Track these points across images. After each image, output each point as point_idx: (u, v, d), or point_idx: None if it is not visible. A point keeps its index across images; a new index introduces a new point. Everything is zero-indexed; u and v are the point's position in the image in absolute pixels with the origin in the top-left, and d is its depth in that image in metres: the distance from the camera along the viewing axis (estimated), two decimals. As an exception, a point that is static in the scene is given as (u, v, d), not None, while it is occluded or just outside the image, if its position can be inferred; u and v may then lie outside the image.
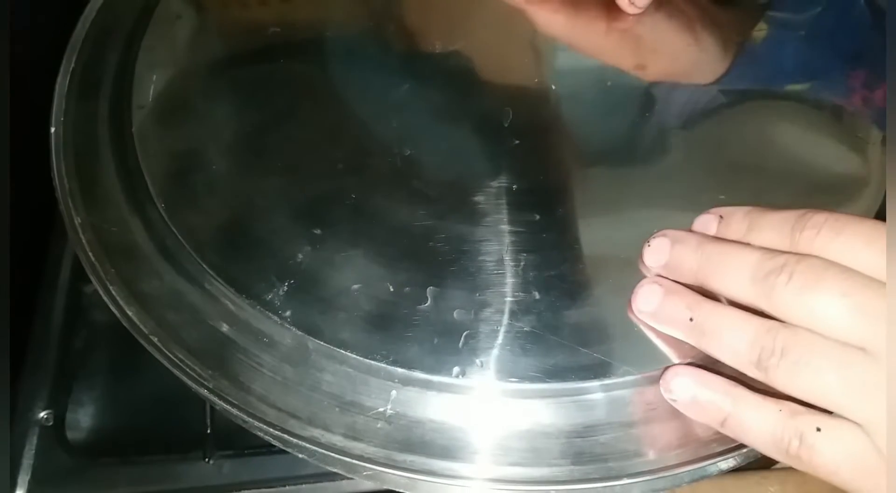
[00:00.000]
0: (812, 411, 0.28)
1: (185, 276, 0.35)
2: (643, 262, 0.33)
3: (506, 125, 0.39)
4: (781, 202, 0.37)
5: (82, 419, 0.46)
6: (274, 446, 0.33)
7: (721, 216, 0.33)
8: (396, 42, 0.43)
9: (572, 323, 0.33)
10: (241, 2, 0.46)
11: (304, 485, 0.41)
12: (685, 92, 0.41)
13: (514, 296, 0.34)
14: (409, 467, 0.31)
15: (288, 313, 0.33)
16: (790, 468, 0.29)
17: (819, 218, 0.29)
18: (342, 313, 0.33)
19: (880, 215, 0.37)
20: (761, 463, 0.37)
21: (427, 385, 0.33)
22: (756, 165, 0.39)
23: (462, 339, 0.33)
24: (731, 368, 0.30)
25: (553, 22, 0.43)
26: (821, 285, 0.27)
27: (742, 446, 0.31)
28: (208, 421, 0.41)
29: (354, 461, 0.31)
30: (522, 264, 0.35)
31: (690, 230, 0.33)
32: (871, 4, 0.45)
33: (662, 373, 0.31)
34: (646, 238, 0.33)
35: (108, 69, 0.42)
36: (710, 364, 0.31)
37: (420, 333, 0.33)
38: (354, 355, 0.33)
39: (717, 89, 0.41)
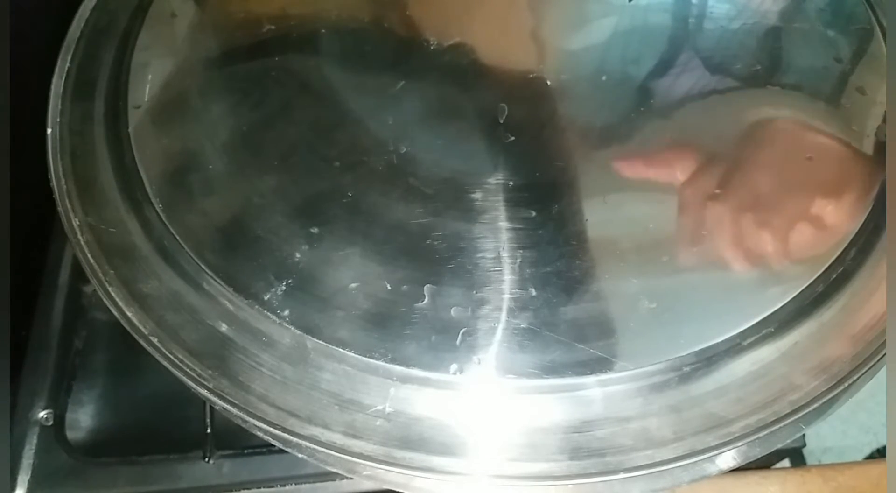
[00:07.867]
0: None
1: (184, 276, 0.35)
2: None
3: (501, 121, 0.39)
4: (778, 195, 0.37)
5: (82, 418, 0.46)
6: (274, 445, 0.33)
7: None
8: (392, 39, 0.43)
9: (569, 319, 0.33)
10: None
11: (304, 485, 0.41)
12: (682, 87, 0.41)
13: (511, 293, 0.34)
14: (408, 464, 0.31)
15: (286, 313, 0.34)
16: (790, 468, 0.29)
17: None
18: (340, 311, 0.34)
19: (877, 213, 0.37)
20: (761, 463, 0.37)
21: (425, 383, 0.33)
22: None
23: (459, 336, 0.33)
24: None
25: None
26: None
27: (736, 439, 0.31)
28: (208, 421, 0.41)
29: (354, 459, 0.31)
30: (519, 260, 0.35)
31: None
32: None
33: None
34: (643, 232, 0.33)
35: (103, 69, 0.42)
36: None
37: (418, 330, 0.33)
38: (353, 354, 0.33)
39: (714, 84, 0.41)
